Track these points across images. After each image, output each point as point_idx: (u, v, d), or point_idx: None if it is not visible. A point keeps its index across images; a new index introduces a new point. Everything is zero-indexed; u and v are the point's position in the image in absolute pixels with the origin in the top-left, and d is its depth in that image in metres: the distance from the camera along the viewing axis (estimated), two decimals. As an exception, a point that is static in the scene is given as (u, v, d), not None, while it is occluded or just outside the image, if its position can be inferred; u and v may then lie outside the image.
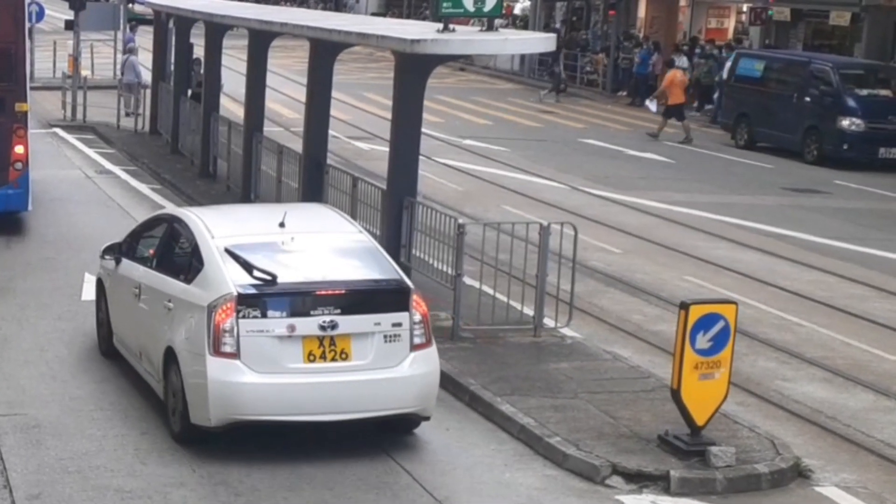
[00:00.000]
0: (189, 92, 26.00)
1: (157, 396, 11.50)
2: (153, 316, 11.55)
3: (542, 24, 46.30)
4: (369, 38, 15.63)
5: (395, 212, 15.16)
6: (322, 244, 11.56)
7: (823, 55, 33.72)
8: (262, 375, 10.41)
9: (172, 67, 27.03)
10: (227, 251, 10.94)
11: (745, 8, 41.78)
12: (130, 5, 37.27)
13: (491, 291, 14.24)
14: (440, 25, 15.01)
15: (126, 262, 12.60)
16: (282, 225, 11.44)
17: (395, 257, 14.82)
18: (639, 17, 45.45)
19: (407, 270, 14.70)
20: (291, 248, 11.21)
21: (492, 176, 25.42)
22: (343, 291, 10.79)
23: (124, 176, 24.04)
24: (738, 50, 35.84)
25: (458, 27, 15.62)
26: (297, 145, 19.91)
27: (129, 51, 31.65)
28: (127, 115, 29.65)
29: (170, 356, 10.99)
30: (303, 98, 19.73)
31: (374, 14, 56.41)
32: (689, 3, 43.67)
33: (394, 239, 15.11)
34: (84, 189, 22.61)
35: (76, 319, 14.20)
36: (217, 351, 10.41)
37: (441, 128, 31.33)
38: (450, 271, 14.12)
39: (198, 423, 10.62)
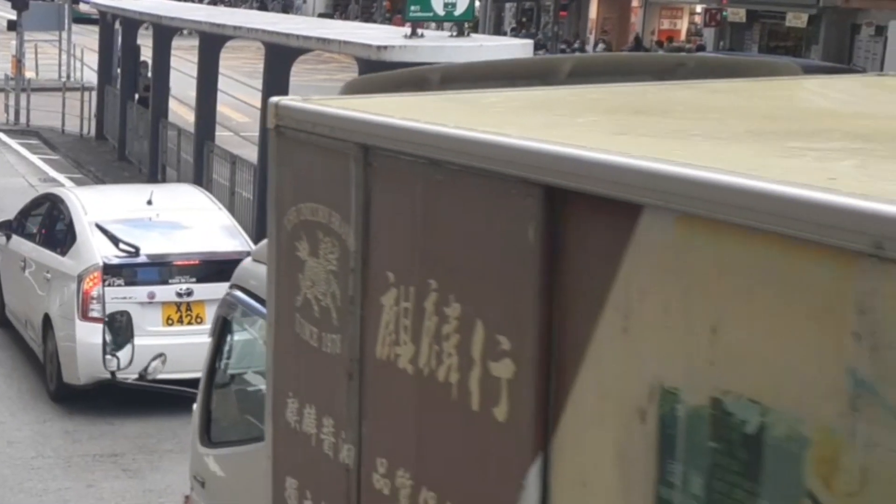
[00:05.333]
0: (136, 96, 26.17)
1: (104, 442, 11.56)
2: (35, 286, 13.13)
3: (494, 25, 47.50)
4: (331, 43, 16.06)
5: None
6: (184, 220, 13.14)
7: (785, 58, 34.96)
8: None
9: (119, 70, 27.29)
10: (97, 226, 12.49)
11: (698, 9, 43.07)
12: (75, 5, 37.63)
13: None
14: (407, 30, 15.34)
15: (15, 238, 14.20)
16: (149, 203, 13.11)
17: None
18: (590, 18, 46.66)
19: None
20: (156, 223, 12.83)
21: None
22: (198, 262, 12.36)
23: (69, 185, 23.00)
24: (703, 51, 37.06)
25: (426, 32, 16.02)
26: (248, 151, 19.80)
27: None
28: None
29: (47, 322, 12.58)
30: (252, 101, 19.67)
31: (321, 15, 57.40)
32: (641, 4, 44.88)
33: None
34: (27, 199, 22.35)
35: (14, 348, 13.96)
36: (85, 316, 11.95)
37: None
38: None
39: (69, 382, 12.14)
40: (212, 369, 6.55)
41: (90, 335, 11.95)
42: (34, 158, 26.93)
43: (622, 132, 3.79)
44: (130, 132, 25.92)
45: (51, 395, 12.45)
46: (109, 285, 12.01)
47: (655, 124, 3.99)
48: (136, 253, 12.26)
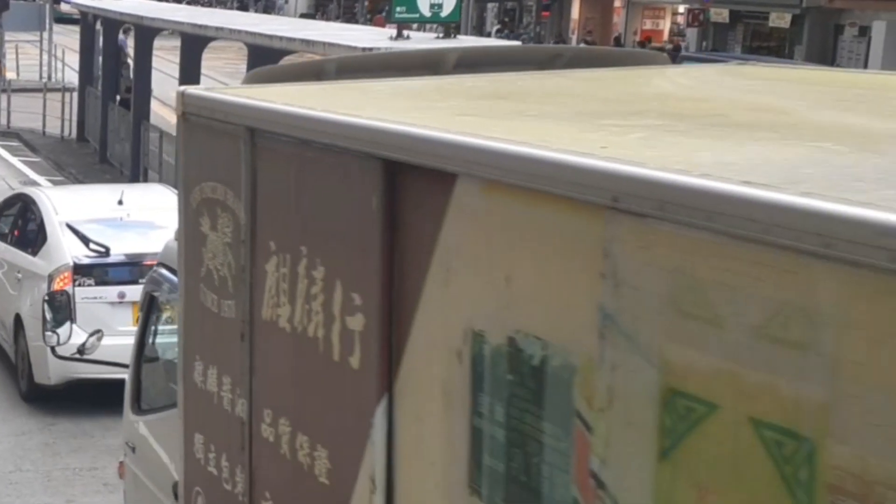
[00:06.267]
0: (118, 98, 26.50)
1: (84, 455, 11.39)
2: (7, 286, 13.36)
3: (476, 26, 48.10)
4: (315, 45, 16.05)
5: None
6: (154, 219, 13.19)
7: (768, 58, 35.47)
8: None
9: (100, 71, 27.54)
10: (68, 226, 12.76)
11: (681, 9, 43.68)
12: (57, 5, 38.05)
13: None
14: (392, 32, 15.64)
15: None
16: (120, 202, 13.36)
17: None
18: (573, 18, 47.33)
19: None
20: (127, 223, 13.08)
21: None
22: None
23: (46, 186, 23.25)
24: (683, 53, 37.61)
25: (412, 34, 16.29)
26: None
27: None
28: None
29: (18, 322, 12.83)
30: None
31: (302, 15, 58.13)
32: (623, 4, 45.52)
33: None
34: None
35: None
36: None
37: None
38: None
39: (40, 382, 12.37)
40: (141, 342, 7.17)
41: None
42: (14, 161, 27.07)
43: (467, 114, 4.33)
44: (112, 134, 26.12)
45: (22, 396, 12.65)
46: (80, 285, 12.23)
47: (504, 107, 4.54)
48: (107, 253, 12.45)
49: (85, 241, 12.47)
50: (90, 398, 12.10)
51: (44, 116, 29.85)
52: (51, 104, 29.77)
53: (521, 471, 3.52)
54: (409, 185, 3.93)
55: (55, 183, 23.86)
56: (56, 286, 12.22)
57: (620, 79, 5.38)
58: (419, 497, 4.03)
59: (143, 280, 12.05)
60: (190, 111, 5.33)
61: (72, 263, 12.35)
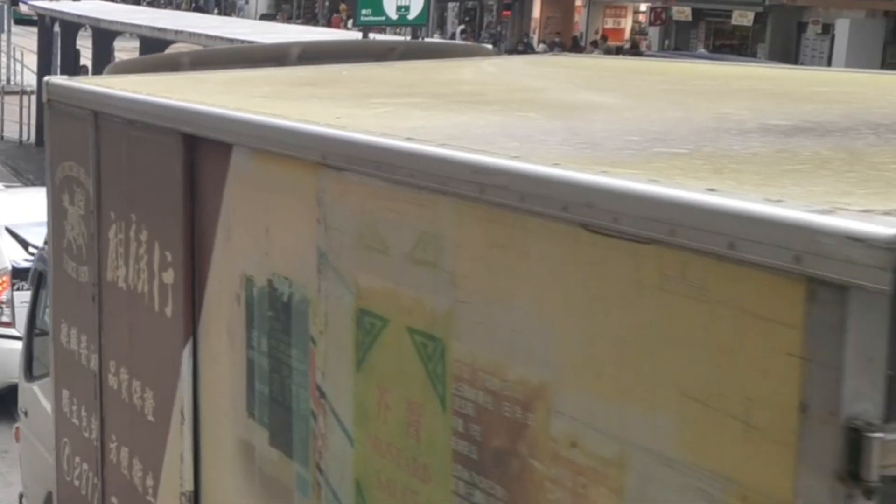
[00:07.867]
0: None
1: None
2: None
3: (437, 25, 48.90)
4: None
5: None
6: None
7: (730, 56, 36.22)
8: None
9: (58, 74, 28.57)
10: (7, 229, 13.11)
11: (642, 7, 44.52)
12: (15, 6, 38.57)
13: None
14: (358, 35, 16.14)
15: None
16: None
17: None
18: (534, 17, 48.21)
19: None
20: None
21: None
22: None
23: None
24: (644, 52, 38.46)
25: (377, 37, 16.63)
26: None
27: None
28: None
29: None
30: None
31: (263, 15, 59.04)
32: (584, 3, 46.39)
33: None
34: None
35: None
36: None
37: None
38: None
39: None
40: (32, 316, 8.02)
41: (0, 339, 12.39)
42: (-29, 167, 27.25)
43: (268, 97, 5.14)
44: (71, 137, 26.75)
45: None
46: (18, 289, 12.43)
47: (305, 91, 5.34)
48: None
49: (24, 244, 12.62)
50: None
51: (1, 120, 30.30)
52: (9, 108, 30.12)
53: (279, 392, 4.32)
54: (202, 156, 4.73)
55: (13, 189, 24.15)
56: None
57: (432, 69, 6.17)
58: (216, 426, 4.83)
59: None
60: (53, 98, 6.12)
61: (10, 267, 12.66)
